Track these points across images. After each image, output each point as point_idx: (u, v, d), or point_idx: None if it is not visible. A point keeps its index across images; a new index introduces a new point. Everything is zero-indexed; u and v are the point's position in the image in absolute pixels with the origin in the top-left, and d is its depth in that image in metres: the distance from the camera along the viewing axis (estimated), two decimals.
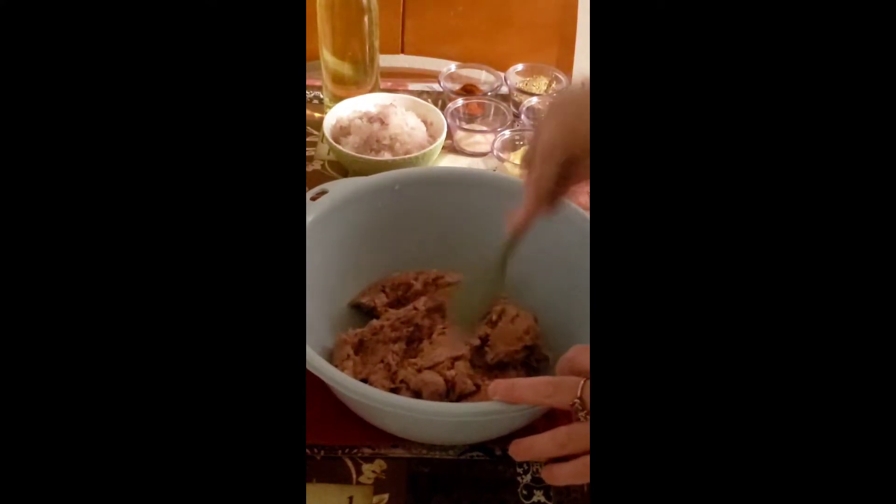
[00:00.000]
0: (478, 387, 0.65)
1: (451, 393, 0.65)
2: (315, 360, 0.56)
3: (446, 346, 0.68)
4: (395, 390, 0.64)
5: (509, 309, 0.71)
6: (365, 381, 0.64)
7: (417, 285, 0.75)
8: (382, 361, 0.67)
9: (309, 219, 0.69)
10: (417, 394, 0.64)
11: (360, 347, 0.69)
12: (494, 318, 0.71)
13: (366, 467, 0.63)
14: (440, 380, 0.64)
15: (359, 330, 0.70)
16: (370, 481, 0.62)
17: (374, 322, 0.71)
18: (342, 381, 0.56)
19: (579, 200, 0.73)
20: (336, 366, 0.63)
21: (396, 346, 0.68)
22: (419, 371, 0.66)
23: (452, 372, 0.66)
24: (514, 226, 0.61)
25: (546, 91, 1.04)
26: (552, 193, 0.59)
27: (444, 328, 0.70)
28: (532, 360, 0.70)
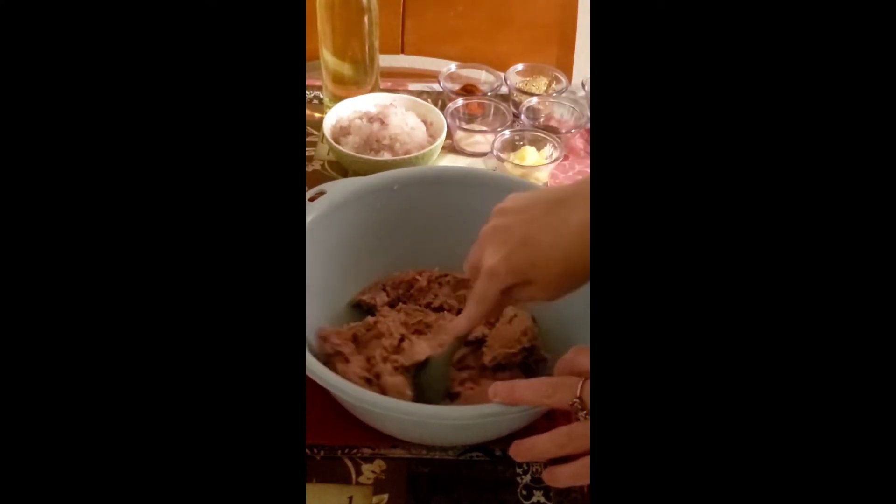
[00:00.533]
0: (470, 388, 0.65)
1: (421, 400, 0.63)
2: (312, 365, 0.56)
3: (428, 343, 0.67)
4: (368, 381, 0.63)
5: (507, 310, 0.71)
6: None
7: (422, 281, 0.75)
8: (369, 357, 0.66)
9: (309, 219, 0.69)
10: (383, 393, 0.63)
11: (353, 342, 0.69)
12: (492, 319, 0.71)
13: (365, 467, 0.63)
14: (408, 392, 0.63)
15: (353, 324, 0.70)
16: (370, 481, 0.62)
17: (370, 318, 0.71)
18: (339, 384, 0.56)
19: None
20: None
21: (387, 342, 0.67)
22: (396, 370, 0.65)
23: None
24: (455, 333, 0.62)
25: (546, 91, 1.04)
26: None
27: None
28: (530, 362, 0.69)
